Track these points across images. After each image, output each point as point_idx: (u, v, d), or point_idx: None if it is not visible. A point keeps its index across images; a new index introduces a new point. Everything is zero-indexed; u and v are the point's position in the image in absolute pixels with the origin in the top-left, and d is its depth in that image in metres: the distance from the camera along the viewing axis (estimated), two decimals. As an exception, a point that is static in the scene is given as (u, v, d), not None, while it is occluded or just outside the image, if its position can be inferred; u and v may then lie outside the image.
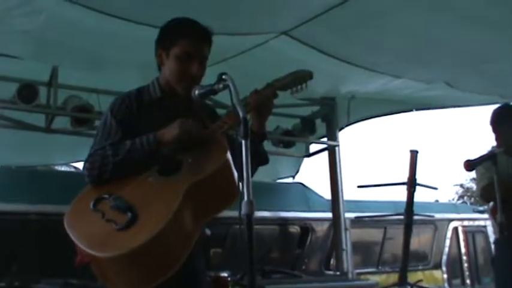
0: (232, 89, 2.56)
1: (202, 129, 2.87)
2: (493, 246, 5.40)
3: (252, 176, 2.39)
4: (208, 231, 3.03)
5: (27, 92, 5.95)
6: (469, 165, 4.71)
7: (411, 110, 8.07)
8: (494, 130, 5.16)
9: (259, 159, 3.03)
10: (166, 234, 2.51)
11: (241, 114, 2.43)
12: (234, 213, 2.46)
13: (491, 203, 5.05)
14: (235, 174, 2.74)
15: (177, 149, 2.80)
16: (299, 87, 3.16)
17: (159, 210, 2.59)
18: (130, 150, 2.77)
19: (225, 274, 5.47)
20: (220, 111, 3.33)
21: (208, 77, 2.93)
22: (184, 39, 2.99)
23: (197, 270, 2.95)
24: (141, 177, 2.76)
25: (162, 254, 2.56)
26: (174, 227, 2.56)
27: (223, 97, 2.86)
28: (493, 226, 5.15)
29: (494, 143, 5.18)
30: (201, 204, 2.70)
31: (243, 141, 2.37)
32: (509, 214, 4.53)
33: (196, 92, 2.83)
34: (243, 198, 2.34)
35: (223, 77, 2.65)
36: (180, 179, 2.70)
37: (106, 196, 2.69)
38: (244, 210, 2.31)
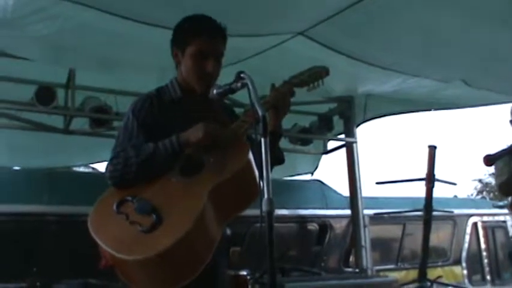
0: (250, 87, 2.56)
1: (223, 129, 2.87)
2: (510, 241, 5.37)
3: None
4: (229, 231, 3.03)
5: (45, 94, 5.99)
6: (489, 160, 4.67)
7: (429, 110, 8.05)
8: (511, 123, 5.14)
9: (275, 158, 3.02)
10: (191, 236, 2.52)
11: (260, 112, 2.42)
12: (253, 212, 2.46)
13: (510, 198, 5.03)
14: (257, 173, 2.73)
15: (198, 149, 2.80)
16: (316, 83, 3.15)
17: (183, 212, 2.59)
18: (154, 153, 2.76)
19: (244, 273, 5.47)
20: (238, 110, 3.34)
21: (225, 78, 2.93)
22: (199, 37, 3.00)
23: (218, 270, 2.95)
24: (163, 178, 2.75)
25: (188, 256, 2.56)
26: (199, 229, 2.57)
27: (240, 96, 2.87)
28: None
29: None
30: (224, 204, 2.70)
31: (262, 139, 2.37)
32: None
33: (215, 91, 2.83)
34: (263, 196, 2.34)
35: (241, 75, 2.65)
36: (203, 179, 2.70)
37: (129, 198, 2.68)
38: (264, 207, 2.32)
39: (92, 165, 9.61)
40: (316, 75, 3.15)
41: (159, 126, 2.87)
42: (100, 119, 6.31)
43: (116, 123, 6.26)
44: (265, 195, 2.32)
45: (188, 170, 2.76)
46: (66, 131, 6.41)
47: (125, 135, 2.92)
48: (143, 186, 2.74)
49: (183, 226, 2.52)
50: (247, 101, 2.56)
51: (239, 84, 2.68)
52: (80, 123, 6.55)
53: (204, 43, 3.00)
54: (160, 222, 2.55)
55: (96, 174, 8.05)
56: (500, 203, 9.84)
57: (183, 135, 2.79)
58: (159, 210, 2.59)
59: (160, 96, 3.07)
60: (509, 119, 5.16)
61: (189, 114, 2.89)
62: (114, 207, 2.67)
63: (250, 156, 2.75)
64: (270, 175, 2.37)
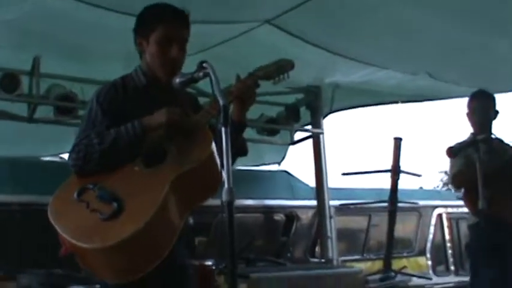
0: (212, 77, 2.57)
1: (186, 119, 2.87)
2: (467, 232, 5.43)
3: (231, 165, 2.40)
4: (191, 220, 3.03)
5: (9, 82, 5.89)
6: (452, 152, 4.76)
7: (397, 102, 8.11)
8: (467, 116, 5.24)
9: (238, 149, 3.03)
10: (153, 225, 2.52)
11: (221, 102, 2.43)
12: (218, 202, 2.46)
13: (463, 190, 5.14)
14: (219, 164, 2.73)
15: (162, 138, 2.80)
16: (281, 76, 3.18)
17: (145, 201, 2.59)
18: (116, 138, 2.75)
19: (209, 263, 5.47)
20: (204, 100, 3.33)
21: (192, 66, 2.93)
22: (163, 23, 3.00)
23: (179, 260, 2.96)
24: (126, 167, 2.75)
25: (149, 245, 2.57)
26: (161, 218, 2.57)
27: (206, 86, 2.86)
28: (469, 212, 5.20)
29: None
30: (186, 194, 2.71)
31: (223, 129, 2.38)
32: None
33: (177, 80, 2.83)
34: (223, 186, 2.35)
35: (204, 65, 2.65)
36: (165, 169, 2.71)
37: (90, 186, 2.68)
38: (225, 197, 2.32)
39: (60, 155, 9.51)
40: (281, 68, 3.18)
41: (124, 114, 2.86)
42: (65, 107, 6.23)
43: (81, 112, 6.17)
44: (226, 185, 2.33)
45: (151, 160, 2.75)
46: (31, 119, 6.32)
47: (88, 122, 2.91)
48: (105, 175, 2.73)
49: (144, 215, 2.51)
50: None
51: (201, 74, 2.68)
52: (45, 111, 6.47)
53: (168, 29, 3.01)
54: (121, 211, 2.55)
55: (61, 163, 7.96)
56: (465, 195, 9.92)
57: (145, 119, 2.79)
58: (121, 198, 2.59)
59: (124, 84, 3.06)
60: (466, 112, 5.25)
61: (153, 102, 2.88)
62: (75, 195, 2.67)
63: (213, 146, 2.76)
64: (231, 165, 2.37)
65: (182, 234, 2.75)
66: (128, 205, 2.57)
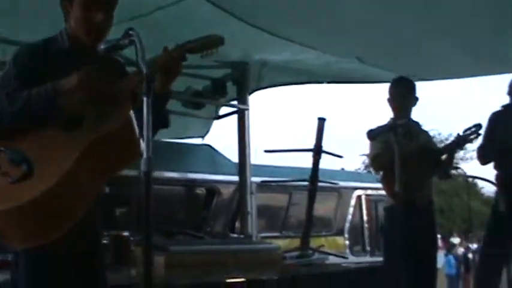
0: (137, 45, 2.52)
1: (107, 84, 2.81)
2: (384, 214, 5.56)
3: (152, 136, 2.38)
4: (107, 189, 2.99)
5: None
6: (371, 134, 4.85)
7: (322, 82, 8.21)
8: (388, 101, 5.35)
9: (160, 121, 2.99)
10: (61, 189, 2.49)
11: (144, 71, 2.40)
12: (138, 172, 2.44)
13: (381, 172, 5.26)
14: (137, 133, 2.70)
15: (80, 102, 2.74)
16: (209, 51, 3.15)
17: (55, 164, 2.54)
18: (28, 99, 2.65)
19: (126, 233, 5.44)
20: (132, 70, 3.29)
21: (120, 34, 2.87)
22: None
23: (93, 228, 2.92)
24: (41, 131, 2.67)
25: (58, 209, 2.53)
26: (70, 182, 2.53)
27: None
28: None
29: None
30: (101, 161, 2.66)
31: (145, 99, 2.35)
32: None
33: (102, 46, 2.78)
34: (142, 156, 2.33)
35: (130, 32, 2.60)
36: (80, 134, 2.64)
37: (1, 149, 2.61)
38: (143, 167, 2.31)
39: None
40: (210, 44, 3.10)
41: (43, 78, 2.75)
42: (-16, 68, 6.04)
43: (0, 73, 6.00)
44: (144, 155, 2.31)
45: (68, 124, 2.69)
46: None
47: (2, 84, 2.81)
48: (17, 138, 2.66)
49: (52, 178, 2.48)
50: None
51: (127, 41, 2.62)
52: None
53: None
54: (31, 174, 2.51)
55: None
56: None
57: (58, 82, 2.70)
58: (31, 161, 2.54)
59: (46, 46, 2.96)
60: (387, 97, 5.36)
61: (76, 67, 2.78)
62: None
63: (131, 114, 2.71)
64: (151, 135, 2.35)
65: (97, 203, 2.71)
66: (37, 168, 2.52)
